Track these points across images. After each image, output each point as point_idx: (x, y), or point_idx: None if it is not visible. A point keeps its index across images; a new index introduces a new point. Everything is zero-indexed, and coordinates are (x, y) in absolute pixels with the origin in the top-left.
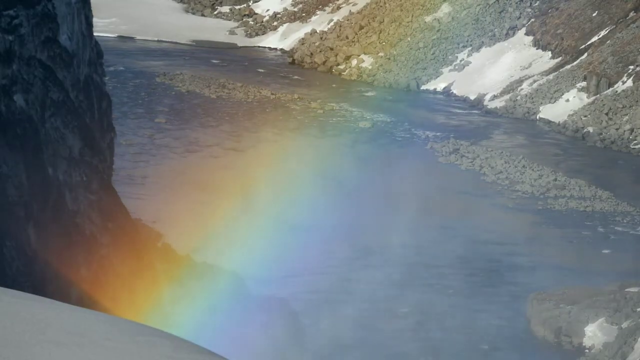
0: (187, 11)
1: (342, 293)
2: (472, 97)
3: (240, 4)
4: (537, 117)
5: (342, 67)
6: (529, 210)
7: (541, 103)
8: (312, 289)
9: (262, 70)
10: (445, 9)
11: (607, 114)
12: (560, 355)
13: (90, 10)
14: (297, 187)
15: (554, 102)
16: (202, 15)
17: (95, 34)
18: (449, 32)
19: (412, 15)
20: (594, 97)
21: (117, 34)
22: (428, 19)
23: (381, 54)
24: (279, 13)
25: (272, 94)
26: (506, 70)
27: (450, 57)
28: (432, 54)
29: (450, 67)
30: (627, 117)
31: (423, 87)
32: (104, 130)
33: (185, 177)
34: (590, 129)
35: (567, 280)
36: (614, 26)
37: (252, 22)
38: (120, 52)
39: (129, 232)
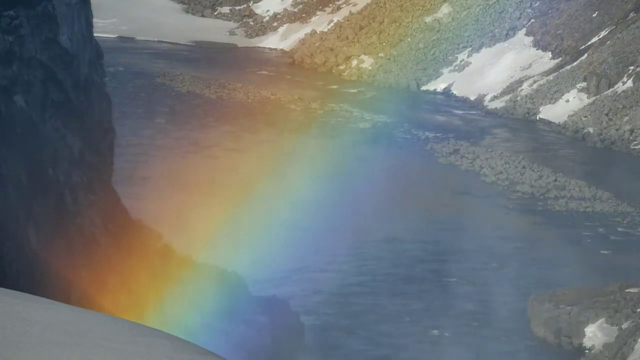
0: (187, 12)
1: (349, 287)
2: (472, 98)
3: (240, 5)
4: (537, 117)
5: (342, 67)
6: (529, 210)
7: (541, 103)
8: (315, 287)
9: (262, 71)
10: (445, 9)
11: (607, 114)
12: (560, 356)
13: (90, 10)
14: (298, 187)
15: (554, 102)
16: (202, 15)
17: (95, 34)
18: (449, 32)
19: (412, 16)
20: (594, 98)
21: (117, 35)
22: (428, 19)
23: (381, 54)
24: (279, 14)
25: (272, 94)
26: (506, 71)
27: (450, 57)
28: (432, 54)
29: (450, 68)
30: (627, 118)
31: (423, 88)
32: (104, 130)
33: (185, 177)
34: (591, 130)
35: (567, 280)
36: (614, 27)
37: (252, 23)
38: (120, 52)
39: (129, 232)
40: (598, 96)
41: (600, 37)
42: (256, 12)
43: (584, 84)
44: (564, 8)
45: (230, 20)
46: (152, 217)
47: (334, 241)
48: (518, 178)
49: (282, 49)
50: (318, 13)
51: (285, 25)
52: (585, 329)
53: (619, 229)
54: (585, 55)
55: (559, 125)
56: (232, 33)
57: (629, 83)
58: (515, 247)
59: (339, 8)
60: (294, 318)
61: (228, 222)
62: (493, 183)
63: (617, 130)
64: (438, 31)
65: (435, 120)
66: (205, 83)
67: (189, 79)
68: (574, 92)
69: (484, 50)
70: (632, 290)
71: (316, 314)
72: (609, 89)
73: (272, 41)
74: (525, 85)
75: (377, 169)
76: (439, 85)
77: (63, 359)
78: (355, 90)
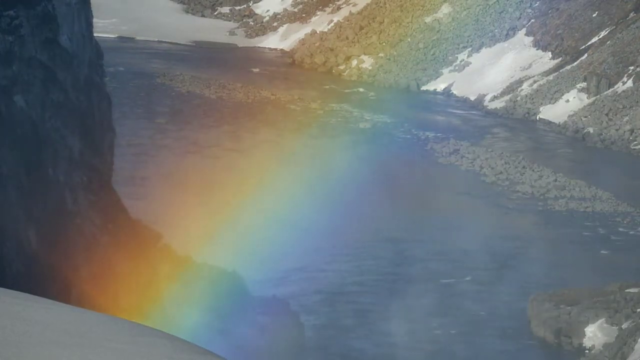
0: (187, 12)
1: (349, 286)
2: (472, 98)
3: (240, 5)
4: (537, 117)
5: (342, 67)
6: (529, 210)
7: (541, 104)
8: (315, 286)
9: (262, 71)
10: (445, 9)
11: (607, 114)
12: (560, 356)
13: (90, 10)
14: (298, 187)
15: (554, 102)
16: (202, 15)
17: (95, 34)
18: (449, 32)
19: (412, 16)
20: (594, 98)
21: (117, 35)
22: (428, 19)
23: (381, 54)
24: (279, 14)
25: (272, 94)
26: (506, 71)
27: (450, 57)
28: (432, 54)
29: (450, 68)
30: (627, 118)
31: (423, 88)
32: (104, 130)
33: (185, 177)
34: (591, 130)
35: (568, 280)
36: (614, 27)
37: (252, 23)
38: (120, 52)
39: (129, 232)
40: (598, 96)
41: (600, 37)
42: (256, 12)
43: (584, 84)
44: (564, 8)
45: (230, 20)
46: (152, 217)
47: (333, 241)
48: (518, 178)
49: (282, 49)
50: (318, 13)
51: (285, 25)
52: (585, 329)
53: (619, 229)
54: (585, 55)
55: (559, 125)
56: (232, 33)
57: (629, 83)
58: (515, 247)
59: (339, 8)
60: (294, 318)
61: (228, 222)
62: (493, 183)
63: (617, 130)
64: (438, 31)
65: (435, 120)
66: (205, 83)
67: (189, 79)
68: (574, 92)
69: (484, 50)
70: (632, 290)
71: (316, 313)
72: (609, 89)
73: (272, 41)
74: (525, 85)
75: (377, 169)
76: (439, 85)
77: (63, 359)
78: (355, 90)
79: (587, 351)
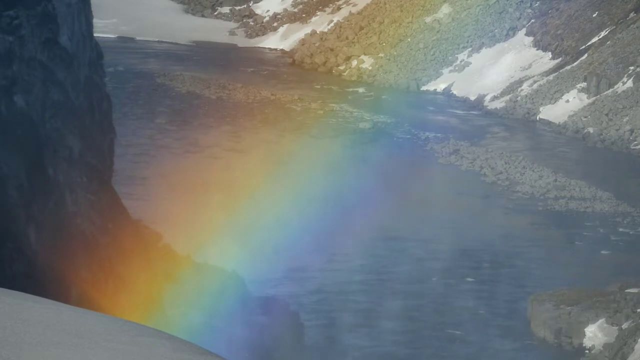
0: (187, 12)
1: (349, 285)
2: (472, 98)
3: (240, 5)
4: (537, 117)
5: (342, 67)
6: (529, 211)
7: (541, 104)
8: (315, 286)
9: (262, 71)
10: (445, 9)
11: (607, 114)
12: (560, 356)
13: (90, 10)
14: (297, 187)
15: (554, 102)
16: (202, 16)
17: (95, 34)
18: (449, 32)
19: (412, 16)
20: (594, 98)
21: (117, 35)
22: (428, 19)
23: (381, 54)
24: (279, 14)
25: (272, 94)
26: (506, 71)
27: (450, 57)
28: (432, 54)
29: (450, 68)
30: (627, 118)
31: (423, 88)
32: (104, 131)
33: (185, 177)
34: (591, 130)
35: (568, 280)
36: (614, 27)
37: (252, 23)
38: (120, 52)
39: (129, 232)
40: (598, 96)
41: (600, 37)
42: (256, 12)
43: (584, 84)
44: (564, 8)
45: (230, 20)
46: (152, 217)
47: (333, 240)
48: (518, 178)
49: (282, 49)
50: (318, 13)
51: (285, 26)
52: (585, 329)
53: (619, 229)
54: (585, 55)
55: (559, 125)
56: (232, 33)
57: (629, 83)
58: (515, 247)
59: (339, 8)
60: (294, 318)
61: (228, 222)
62: (493, 183)
63: (617, 130)
64: (438, 31)
65: (435, 120)
66: (205, 83)
67: (189, 79)
68: (574, 92)
69: (484, 51)
70: (632, 290)
71: (316, 312)
72: (609, 89)
73: (272, 41)
74: (525, 86)
75: (377, 169)
76: (439, 85)
77: (63, 359)
78: (355, 90)
79: (587, 351)
